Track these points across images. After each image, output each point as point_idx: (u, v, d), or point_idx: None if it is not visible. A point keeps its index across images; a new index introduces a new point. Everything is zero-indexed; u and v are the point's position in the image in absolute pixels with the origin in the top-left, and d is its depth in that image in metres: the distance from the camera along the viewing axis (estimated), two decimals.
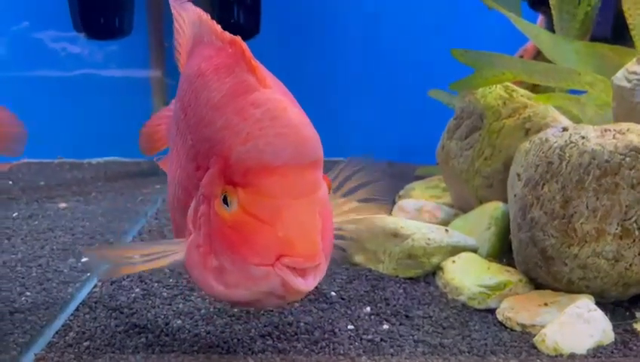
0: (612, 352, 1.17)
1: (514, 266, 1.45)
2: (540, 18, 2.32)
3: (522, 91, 1.72)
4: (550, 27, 2.07)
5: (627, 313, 1.32)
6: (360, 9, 2.92)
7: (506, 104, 1.69)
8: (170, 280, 1.51)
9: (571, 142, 1.30)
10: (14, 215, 2.01)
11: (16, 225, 1.90)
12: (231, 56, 0.89)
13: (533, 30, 1.94)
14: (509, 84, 1.74)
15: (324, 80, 2.99)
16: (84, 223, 1.92)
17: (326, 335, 1.21)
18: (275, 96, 0.82)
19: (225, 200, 0.79)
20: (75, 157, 2.89)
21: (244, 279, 0.80)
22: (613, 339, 1.21)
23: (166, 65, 2.69)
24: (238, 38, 0.89)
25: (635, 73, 1.51)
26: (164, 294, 1.42)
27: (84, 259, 1.62)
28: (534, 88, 2.20)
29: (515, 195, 1.41)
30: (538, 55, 2.27)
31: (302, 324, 1.26)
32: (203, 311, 1.33)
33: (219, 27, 0.97)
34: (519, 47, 2.45)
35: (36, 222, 1.93)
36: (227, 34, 0.93)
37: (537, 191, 1.33)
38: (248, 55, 0.85)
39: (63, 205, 2.13)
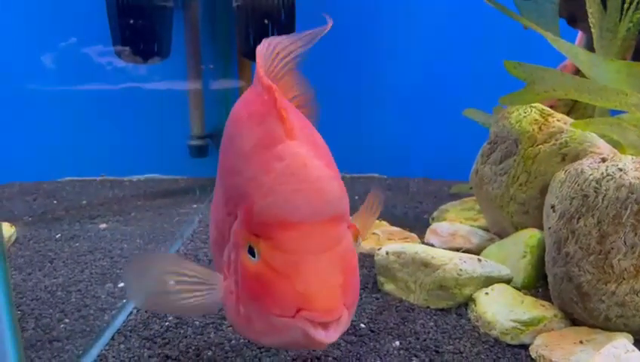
0: None
1: (549, 299, 1.41)
2: (580, 35, 2.25)
3: (559, 115, 1.67)
4: (590, 44, 2.01)
5: None
6: (396, 26, 2.91)
7: (541, 129, 1.65)
8: None
9: (608, 174, 1.26)
10: (57, 236, 2.08)
11: (59, 247, 1.97)
12: (265, 103, 0.88)
13: (572, 49, 1.88)
14: (544, 107, 1.69)
15: (360, 96, 2.99)
16: (122, 245, 1.97)
17: None
18: (299, 150, 0.82)
19: (250, 250, 0.80)
20: (116, 175, 2.97)
21: (269, 328, 0.81)
22: None
23: (203, 86, 2.74)
24: (274, 86, 0.87)
25: None
26: (197, 323, 1.45)
27: (120, 284, 1.66)
28: (573, 107, 2.14)
29: (549, 228, 1.37)
30: (577, 72, 2.20)
31: (330, 359, 1.26)
32: (233, 341, 1.35)
33: (263, 69, 0.94)
34: (561, 62, 2.39)
35: (77, 244, 1.99)
36: (266, 79, 0.90)
37: (572, 224, 1.29)
38: (280, 103, 0.85)
39: (103, 226, 2.19)
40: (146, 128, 2.87)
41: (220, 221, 0.93)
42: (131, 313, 1.50)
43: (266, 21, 2.42)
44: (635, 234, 1.21)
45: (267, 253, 0.78)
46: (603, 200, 1.25)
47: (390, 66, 2.94)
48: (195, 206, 2.43)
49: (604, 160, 1.31)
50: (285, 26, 2.46)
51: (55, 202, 2.57)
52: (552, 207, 1.38)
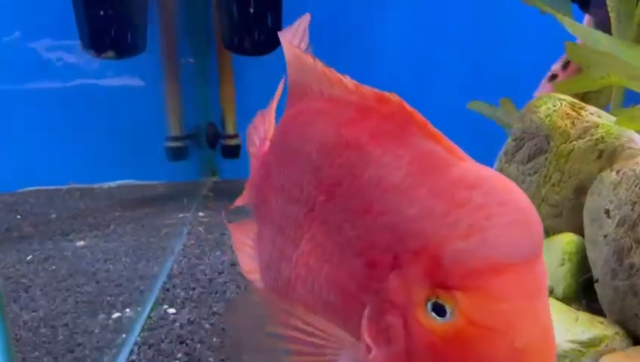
0: None
1: (597, 311, 1.29)
2: (587, 19, 2.15)
3: (591, 108, 1.55)
4: (599, 29, 1.91)
5: None
6: (405, 23, 2.75)
7: (574, 123, 1.52)
8: (214, 340, 1.35)
9: None
10: (28, 258, 1.84)
11: (32, 271, 1.74)
12: (388, 118, 0.70)
13: (591, 35, 1.77)
14: (574, 100, 1.57)
15: None
16: (106, 266, 1.76)
17: None
18: (488, 172, 0.64)
19: (434, 308, 0.62)
20: (85, 182, 2.71)
21: None
22: None
23: (180, 82, 2.52)
24: (394, 95, 0.70)
25: None
26: (211, 359, 1.27)
27: (115, 315, 1.46)
28: (583, 97, 2.04)
29: (605, 236, 1.25)
30: None
31: None
32: None
33: (348, 77, 0.76)
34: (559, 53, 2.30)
35: (54, 267, 1.77)
36: (368, 88, 0.73)
37: (637, 232, 1.16)
38: (420, 117, 0.67)
39: (80, 243, 1.96)
40: (117, 129, 2.63)
41: (346, 277, 0.71)
42: (132, 351, 1.30)
43: (250, 9, 2.21)
44: None
45: (470, 305, 0.59)
46: None
47: (382, 60, 2.78)
48: (181, 215, 2.23)
49: None
50: (271, 14, 2.27)
51: (19, 217, 2.31)
52: (607, 212, 1.25)
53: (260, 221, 0.96)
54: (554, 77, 2.18)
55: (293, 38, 0.94)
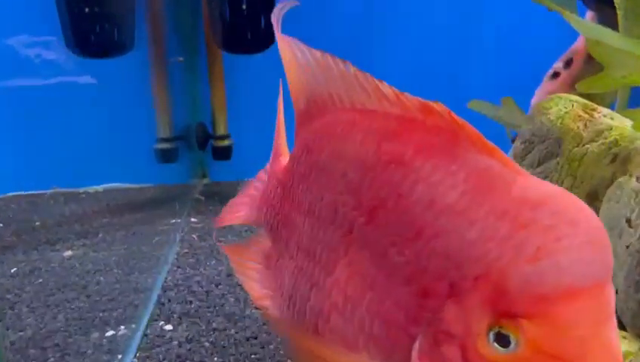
0: None
1: (618, 325, 1.24)
2: (589, 15, 2.10)
3: (604, 110, 1.50)
4: (603, 25, 1.86)
5: None
6: (404, 22, 2.68)
7: (587, 126, 1.47)
8: (215, 359, 1.28)
9: None
10: (13, 270, 1.75)
11: (17, 285, 1.64)
12: (435, 130, 0.63)
13: (599, 32, 1.72)
14: (587, 101, 1.52)
15: None
16: (97, 278, 1.67)
17: None
18: (552, 189, 0.58)
19: (497, 339, 0.56)
20: (70, 187, 2.60)
21: None
22: None
23: (169, 82, 2.42)
24: (440, 105, 0.63)
25: None
26: None
27: (109, 333, 1.38)
28: (588, 98, 1.99)
29: (627, 246, 1.19)
30: (591, 58, 2.06)
31: None
32: None
33: (381, 82, 0.69)
34: (560, 49, 2.25)
35: (41, 280, 1.67)
36: (411, 96, 0.66)
37: None
38: (471, 128, 0.60)
39: (68, 253, 1.87)
40: (103, 131, 2.52)
41: (392, 307, 0.64)
42: None
43: (242, 6, 2.13)
44: None
45: (540, 335, 0.54)
46: None
47: (381, 58, 2.71)
48: (173, 221, 2.14)
49: None
50: (263, 12, 2.18)
51: (0, 225, 2.20)
52: (628, 221, 1.20)
53: (280, 245, 0.88)
54: (556, 75, 2.14)
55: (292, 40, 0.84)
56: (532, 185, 0.57)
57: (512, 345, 0.54)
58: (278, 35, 0.86)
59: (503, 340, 0.55)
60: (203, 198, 2.47)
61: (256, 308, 1.49)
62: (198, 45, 2.54)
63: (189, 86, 2.60)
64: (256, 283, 0.96)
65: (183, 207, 2.28)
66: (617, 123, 1.47)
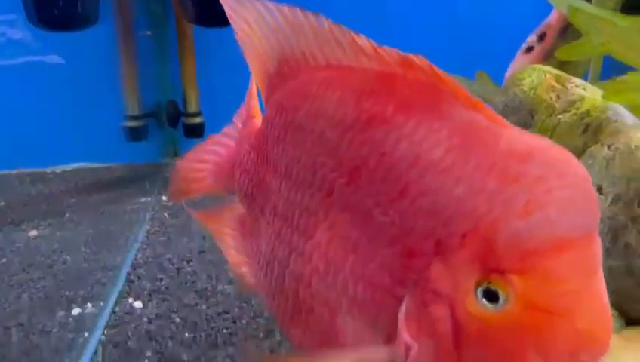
0: None
1: None
2: None
3: (577, 80, 1.50)
4: None
5: None
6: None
7: (559, 97, 1.46)
8: (186, 335, 1.25)
9: None
10: None
11: None
12: (417, 85, 0.61)
13: (573, 4, 1.72)
14: (560, 72, 1.51)
15: None
16: (64, 257, 1.62)
17: None
18: (539, 141, 0.56)
19: (485, 295, 0.55)
20: (36, 167, 2.52)
21: None
22: None
23: (137, 57, 2.35)
24: (421, 58, 0.60)
25: None
26: (184, 357, 1.17)
27: (76, 311, 1.35)
28: (561, 70, 2.00)
29: None
30: (564, 32, 2.06)
31: None
32: None
33: (358, 35, 0.65)
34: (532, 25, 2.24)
35: (4, 260, 1.62)
36: (391, 50, 0.63)
37: (633, 210, 1.12)
38: (454, 83, 0.58)
39: (33, 233, 1.81)
40: (69, 109, 2.45)
41: (376, 269, 0.62)
42: (97, 352, 1.19)
43: None
44: None
45: (530, 289, 0.53)
46: None
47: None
48: (143, 200, 2.09)
49: None
50: None
51: None
52: (599, 189, 1.20)
53: (256, 210, 0.84)
54: (529, 49, 2.13)
55: None
56: (519, 137, 0.56)
57: (501, 301, 0.54)
58: None
59: (491, 296, 0.54)
60: None
61: (229, 284, 1.47)
62: (167, 18, 2.47)
63: (158, 61, 2.53)
64: (232, 250, 0.93)
65: (153, 186, 2.23)
66: (589, 94, 1.47)
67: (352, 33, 0.66)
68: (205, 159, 1.00)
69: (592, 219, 0.54)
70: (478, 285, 0.54)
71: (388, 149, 0.61)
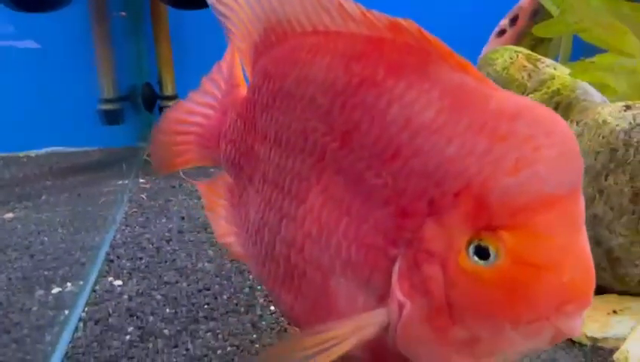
0: None
1: None
2: None
3: (547, 60, 1.54)
4: None
5: None
6: None
7: (531, 76, 1.50)
8: (167, 311, 1.26)
9: (637, 124, 1.14)
10: None
11: None
12: (406, 48, 0.62)
13: None
14: (530, 52, 1.55)
15: None
16: (41, 238, 1.62)
17: None
18: (527, 101, 0.58)
19: (477, 252, 0.57)
20: (10, 150, 2.49)
21: (508, 344, 0.59)
22: None
23: (112, 38, 2.33)
24: (410, 22, 0.62)
25: None
26: (165, 332, 1.18)
27: (55, 290, 1.34)
28: (532, 50, 2.04)
29: None
30: (535, 15, 2.11)
31: None
32: (219, 351, 1.11)
33: (352, 2, 0.66)
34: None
35: None
36: (379, 14, 0.64)
37: (600, 183, 1.16)
38: (442, 45, 0.60)
39: (9, 215, 1.80)
40: (43, 92, 2.41)
41: (370, 231, 0.63)
42: (78, 328, 1.19)
43: None
44: None
45: (519, 245, 0.56)
46: (635, 153, 1.12)
47: None
48: (120, 182, 2.08)
49: (628, 107, 1.19)
50: None
51: None
52: None
53: (244, 179, 0.85)
54: (502, 32, 2.17)
55: None
56: (508, 97, 0.58)
57: (492, 257, 0.56)
58: None
59: (482, 253, 0.56)
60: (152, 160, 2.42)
61: (209, 262, 1.48)
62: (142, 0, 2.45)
63: (133, 43, 2.51)
64: (222, 220, 0.94)
65: (130, 169, 2.22)
66: (559, 73, 1.51)
67: (348, 2, 0.67)
68: (187, 130, 1.00)
69: (577, 176, 0.57)
70: (469, 243, 0.57)
71: (379, 112, 0.62)
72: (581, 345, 1.11)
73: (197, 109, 0.99)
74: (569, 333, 0.58)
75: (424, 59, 0.61)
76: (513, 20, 2.14)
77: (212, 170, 1.01)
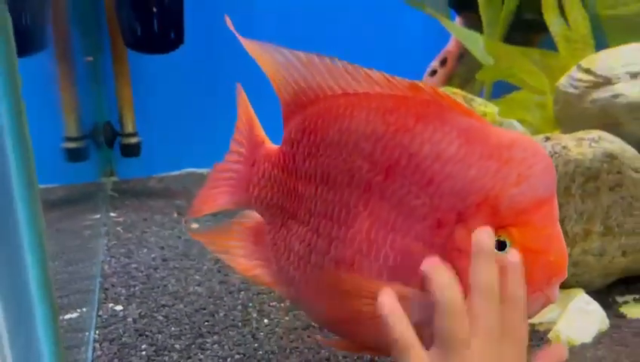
0: (612, 336, 1.34)
1: None
2: (458, 20, 2.47)
3: (479, 100, 1.84)
4: (470, 29, 2.23)
5: (609, 299, 1.51)
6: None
7: None
8: (172, 329, 1.42)
9: (555, 152, 1.44)
10: None
11: None
12: (426, 103, 0.84)
13: (470, 35, 2.09)
14: (466, 93, 1.85)
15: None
16: None
17: None
18: (513, 134, 0.83)
19: (497, 246, 0.79)
20: None
21: None
22: (609, 324, 1.38)
23: (78, 81, 2.44)
24: (425, 84, 0.84)
25: (580, 80, 1.70)
26: (177, 346, 1.34)
27: (68, 316, 1.46)
28: (462, 87, 2.36)
29: None
30: (462, 58, 2.43)
31: None
32: (229, 359, 1.28)
33: (371, 69, 0.87)
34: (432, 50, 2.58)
35: None
36: (399, 78, 0.85)
37: None
38: (451, 99, 0.82)
39: None
40: None
41: (412, 241, 0.84)
42: (95, 348, 1.33)
43: (153, 8, 2.23)
44: (583, 202, 1.42)
45: (523, 237, 0.79)
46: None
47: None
48: (95, 216, 2.19)
49: (547, 138, 1.49)
50: (172, 11, 2.30)
51: None
52: None
53: (279, 218, 1.03)
54: (434, 72, 2.49)
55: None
56: (502, 133, 0.82)
57: (507, 248, 0.80)
58: (243, 40, 1.02)
59: (501, 246, 0.80)
60: (117, 195, 2.53)
61: (199, 286, 1.65)
62: (103, 43, 2.58)
63: (96, 85, 2.62)
64: (242, 258, 1.12)
65: (98, 204, 2.33)
66: (489, 110, 1.82)
67: (365, 69, 0.88)
68: (222, 182, 1.17)
69: (554, 182, 0.83)
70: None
71: (415, 150, 0.84)
72: None
73: (228, 166, 1.16)
74: (553, 300, 0.84)
75: (440, 109, 0.83)
76: (443, 62, 2.46)
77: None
